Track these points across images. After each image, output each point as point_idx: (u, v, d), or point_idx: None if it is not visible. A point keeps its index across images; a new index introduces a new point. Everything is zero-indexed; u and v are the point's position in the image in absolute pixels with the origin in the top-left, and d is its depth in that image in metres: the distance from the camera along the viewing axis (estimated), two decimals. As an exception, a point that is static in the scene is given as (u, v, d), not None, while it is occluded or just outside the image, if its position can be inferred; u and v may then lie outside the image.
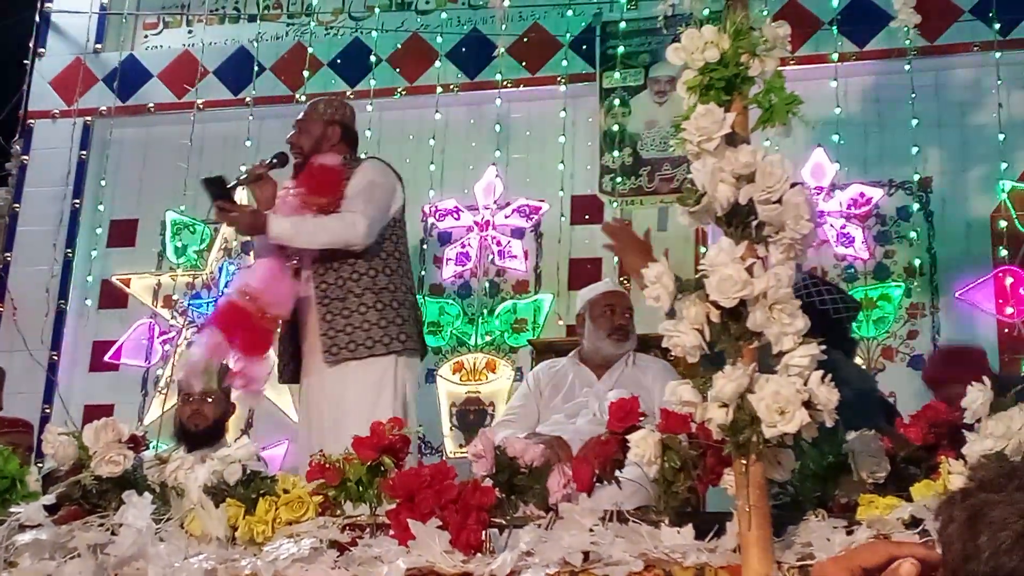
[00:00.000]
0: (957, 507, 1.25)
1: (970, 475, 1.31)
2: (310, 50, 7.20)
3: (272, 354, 4.66)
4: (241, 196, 6.98)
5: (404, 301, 4.57)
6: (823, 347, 2.34)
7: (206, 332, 4.53)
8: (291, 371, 4.65)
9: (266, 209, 4.63)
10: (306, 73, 7.12)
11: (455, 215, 6.83)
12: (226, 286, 6.99)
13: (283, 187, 4.68)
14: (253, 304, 4.45)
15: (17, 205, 7.33)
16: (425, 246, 6.86)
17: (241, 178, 4.71)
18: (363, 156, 4.85)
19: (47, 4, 7.55)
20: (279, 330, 4.63)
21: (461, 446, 6.26)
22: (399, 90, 7.08)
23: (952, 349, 5.66)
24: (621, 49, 6.68)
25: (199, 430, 4.98)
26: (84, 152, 7.42)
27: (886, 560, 1.26)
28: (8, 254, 7.24)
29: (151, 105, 7.42)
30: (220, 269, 7.05)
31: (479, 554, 2.70)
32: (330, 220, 4.48)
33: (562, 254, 6.69)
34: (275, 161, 4.73)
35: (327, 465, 2.95)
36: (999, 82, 6.21)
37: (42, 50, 7.56)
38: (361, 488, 2.89)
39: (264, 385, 4.68)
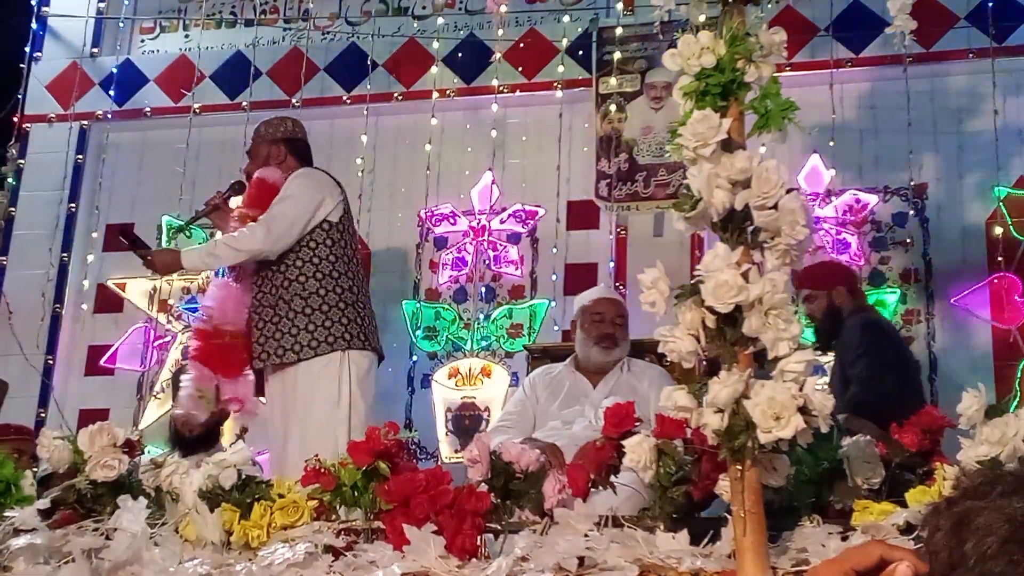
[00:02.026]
0: (943, 516, 1.26)
1: (955, 483, 1.32)
2: (307, 55, 7.19)
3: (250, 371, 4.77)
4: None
5: (338, 303, 4.66)
6: None
7: (189, 366, 4.70)
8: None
9: None
10: (302, 78, 7.11)
11: (451, 220, 6.83)
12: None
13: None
14: (212, 325, 4.63)
15: (13, 209, 7.31)
16: (421, 251, 6.85)
17: (200, 210, 4.90)
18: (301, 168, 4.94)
19: (44, 8, 7.54)
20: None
21: (456, 451, 6.24)
22: (396, 95, 7.08)
23: (819, 262, 5.98)
24: (617, 54, 6.67)
25: (194, 435, 4.96)
26: (80, 156, 7.41)
27: (878, 562, 1.27)
28: (4, 258, 7.23)
29: (147, 109, 7.42)
30: (216, 274, 7.03)
31: (474, 559, 2.71)
32: (233, 236, 4.65)
33: (558, 259, 6.68)
34: (230, 192, 4.91)
35: (322, 470, 2.95)
36: (994, 88, 6.21)
37: (38, 54, 7.55)
38: (356, 493, 2.89)
39: (254, 404, 4.75)
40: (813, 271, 5.74)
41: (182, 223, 4.93)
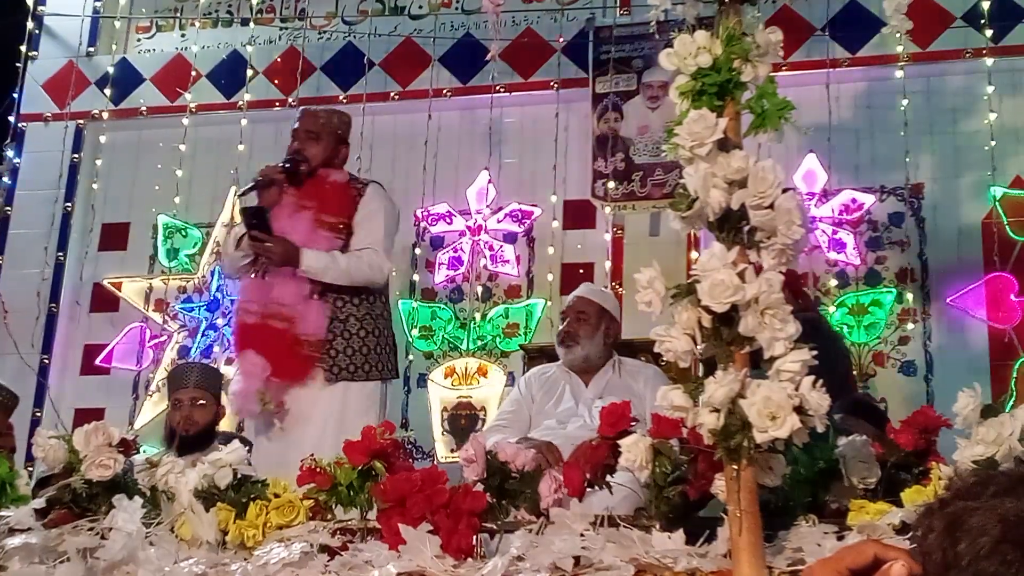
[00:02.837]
0: (935, 516, 1.26)
1: (947, 484, 1.32)
2: (303, 54, 7.19)
3: None
4: (235, 201, 7.03)
5: (390, 328, 4.66)
6: None
7: (243, 356, 4.44)
8: None
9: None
10: (299, 77, 7.11)
11: (447, 219, 6.83)
12: (218, 290, 6.98)
13: (286, 193, 4.59)
14: (289, 327, 4.41)
15: (9, 208, 7.33)
16: (417, 250, 6.85)
17: (258, 181, 4.58)
18: (364, 178, 4.82)
19: (40, 7, 7.54)
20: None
21: (452, 451, 6.25)
22: (392, 94, 7.09)
23: None
24: (614, 54, 6.68)
25: (189, 436, 4.95)
26: (76, 155, 7.41)
27: (872, 561, 1.27)
28: (0, 257, 7.23)
29: (143, 108, 7.41)
30: (212, 273, 7.04)
31: (470, 559, 2.70)
32: (359, 262, 4.49)
33: (554, 259, 6.69)
34: (288, 166, 4.61)
35: (318, 469, 2.95)
36: (990, 88, 6.22)
37: (34, 53, 7.55)
38: (352, 492, 2.89)
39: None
40: None
41: (245, 187, 4.59)
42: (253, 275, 4.55)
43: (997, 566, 1.18)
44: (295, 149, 4.65)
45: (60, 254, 7.24)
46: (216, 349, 6.88)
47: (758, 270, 2.42)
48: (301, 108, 4.97)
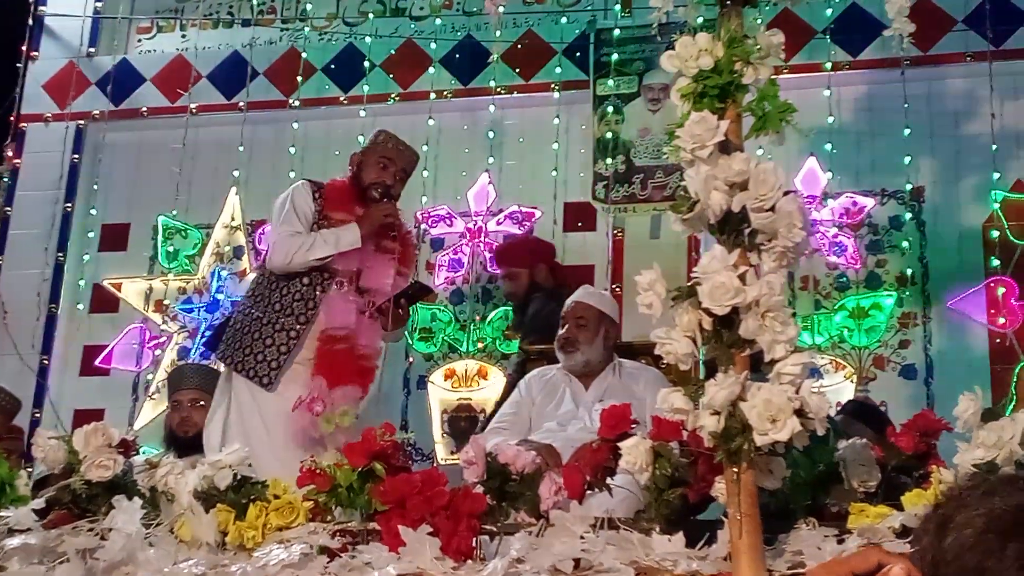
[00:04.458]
0: (930, 520, 1.29)
1: (943, 490, 1.36)
2: (304, 55, 7.18)
3: None
4: (235, 202, 7.03)
5: None
6: None
7: (346, 390, 4.42)
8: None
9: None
10: (300, 78, 7.11)
11: (448, 221, 6.82)
12: (218, 291, 6.97)
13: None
14: (376, 368, 4.60)
15: (9, 209, 7.32)
16: (417, 252, 6.84)
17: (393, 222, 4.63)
18: None
19: (40, 7, 7.53)
20: (288, 335, 4.57)
21: (452, 453, 6.23)
22: (393, 96, 7.08)
23: (517, 241, 6.39)
24: (615, 56, 6.67)
25: (189, 437, 4.95)
26: (76, 156, 7.40)
27: (876, 566, 1.28)
28: (0, 257, 7.23)
29: (144, 109, 7.41)
30: (212, 274, 7.03)
31: (469, 561, 2.70)
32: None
33: (554, 261, 6.68)
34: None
35: (318, 471, 2.95)
36: (992, 92, 6.21)
37: (35, 53, 7.54)
38: (352, 494, 2.89)
39: None
40: (513, 250, 6.00)
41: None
42: (321, 291, 4.54)
43: (980, 556, 1.21)
44: (387, 186, 4.62)
45: (60, 255, 7.23)
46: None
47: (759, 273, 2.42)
48: (384, 134, 4.80)
